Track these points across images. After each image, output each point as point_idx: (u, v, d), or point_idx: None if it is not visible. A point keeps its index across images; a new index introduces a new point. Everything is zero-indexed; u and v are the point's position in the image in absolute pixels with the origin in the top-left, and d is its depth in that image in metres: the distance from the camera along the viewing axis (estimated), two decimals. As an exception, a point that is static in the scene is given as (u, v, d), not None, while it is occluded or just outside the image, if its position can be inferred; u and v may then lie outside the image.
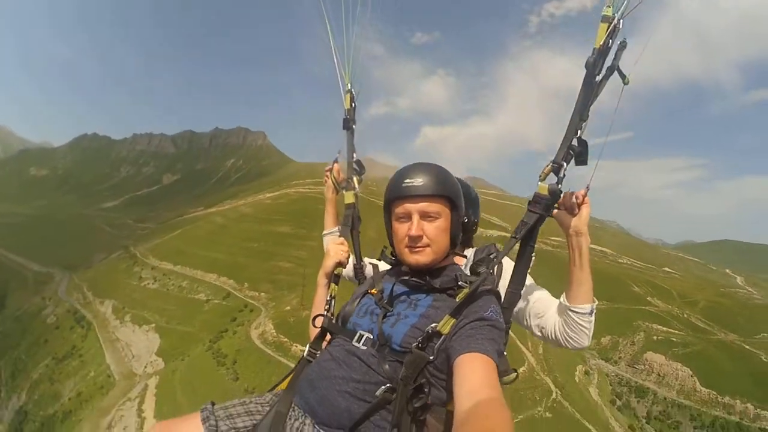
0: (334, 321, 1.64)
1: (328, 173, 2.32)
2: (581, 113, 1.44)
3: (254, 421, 1.42)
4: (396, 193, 1.55)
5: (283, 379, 1.69)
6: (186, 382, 64.45)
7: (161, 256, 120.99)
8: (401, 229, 1.54)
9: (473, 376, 1.09)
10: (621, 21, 1.41)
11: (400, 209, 1.54)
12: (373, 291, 1.61)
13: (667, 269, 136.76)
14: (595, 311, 1.56)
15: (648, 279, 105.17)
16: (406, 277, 1.55)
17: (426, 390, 1.24)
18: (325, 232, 2.40)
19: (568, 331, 1.57)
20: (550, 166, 1.48)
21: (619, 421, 62.81)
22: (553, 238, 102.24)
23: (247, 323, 77.90)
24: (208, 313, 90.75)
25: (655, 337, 78.31)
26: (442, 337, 1.29)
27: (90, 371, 77.89)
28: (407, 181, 1.51)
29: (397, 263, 1.69)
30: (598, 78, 1.45)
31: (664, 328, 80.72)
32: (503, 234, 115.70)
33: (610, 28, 1.41)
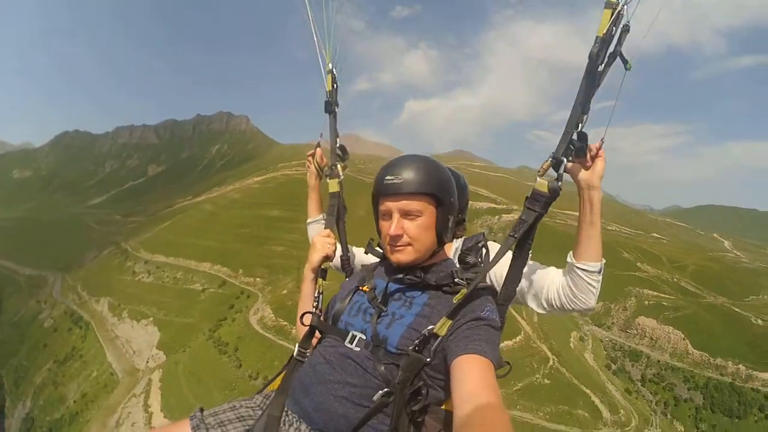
0: (323, 318, 1.60)
1: (310, 158, 2.19)
2: (583, 105, 1.34)
3: (246, 427, 1.36)
4: (378, 190, 1.49)
5: (273, 379, 1.63)
6: (190, 373, 64.82)
7: (153, 249, 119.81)
8: (384, 226, 1.49)
9: (471, 378, 1.08)
10: (626, 6, 1.28)
11: (383, 207, 1.48)
12: (365, 288, 1.54)
13: (655, 235, 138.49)
14: (603, 270, 1.45)
15: (637, 245, 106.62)
16: (401, 275, 1.49)
17: (424, 392, 1.22)
18: (309, 220, 2.28)
19: (575, 290, 1.45)
20: (549, 161, 1.36)
21: (615, 385, 64.65)
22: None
23: (245, 310, 78.06)
24: (205, 303, 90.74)
25: (646, 302, 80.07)
26: (439, 338, 1.26)
27: (92, 371, 77.95)
28: (388, 178, 1.44)
29: (385, 257, 1.62)
30: (601, 67, 1.34)
31: (655, 293, 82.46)
32: (492, 205, 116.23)
33: (615, 14, 1.29)
